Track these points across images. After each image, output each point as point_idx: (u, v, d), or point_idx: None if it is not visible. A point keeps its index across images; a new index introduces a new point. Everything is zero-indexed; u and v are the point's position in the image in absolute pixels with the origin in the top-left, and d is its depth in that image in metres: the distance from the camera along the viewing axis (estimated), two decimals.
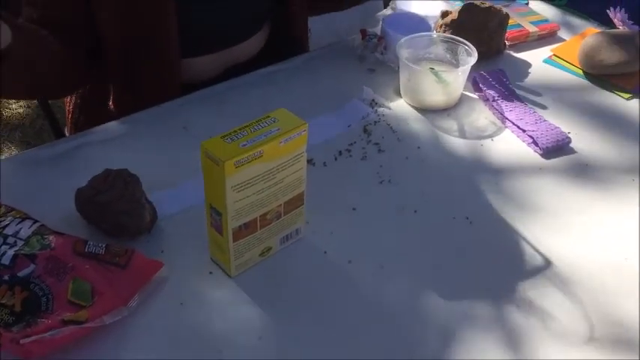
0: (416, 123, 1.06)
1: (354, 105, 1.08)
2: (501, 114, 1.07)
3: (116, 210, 0.78)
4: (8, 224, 0.75)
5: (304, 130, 0.74)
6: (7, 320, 0.67)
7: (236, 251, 0.76)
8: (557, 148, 1.01)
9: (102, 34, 1.05)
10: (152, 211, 0.83)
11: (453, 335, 0.73)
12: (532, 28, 1.29)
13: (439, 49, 1.14)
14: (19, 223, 0.75)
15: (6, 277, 0.70)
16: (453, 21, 1.19)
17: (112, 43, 1.06)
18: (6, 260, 0.71)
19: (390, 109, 1.09)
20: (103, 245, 0.75)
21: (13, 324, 0.67)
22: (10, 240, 0.73)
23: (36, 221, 0.76)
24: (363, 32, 1.21)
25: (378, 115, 1.07)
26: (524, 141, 1.03)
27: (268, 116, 0.74)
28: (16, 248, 0.72)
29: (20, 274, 0.70)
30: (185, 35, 1.05)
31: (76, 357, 0.68)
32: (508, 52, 1.26)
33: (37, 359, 0.66)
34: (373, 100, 1.09)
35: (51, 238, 0.74)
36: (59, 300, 0.69)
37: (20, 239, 0.73)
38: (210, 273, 0.79)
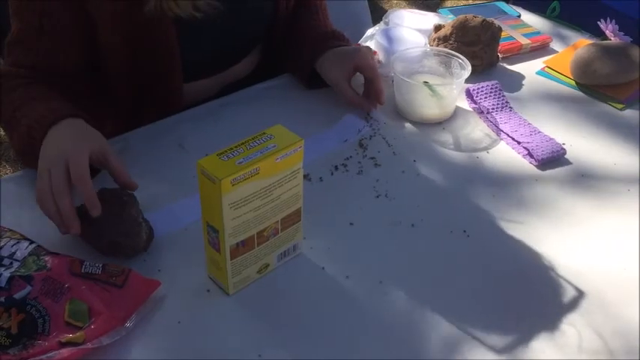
0: (411, 136, 1.07)
1: (349, 120, 1.08)
2: (496, 126, 1.07)
3: (113, 230, 0.78)
4: (4, 245, 0.75)
5: (300, 147, 0.74)
6: (3, 343, 0.67)
7: (234, 269, 0.76)
8: (553, 159, 1.01)
9: (107, 70, 1.05)
10: (148, 229, 0.82)
11: (452, 349, 0.73)
12: (524, 41, 1.30)
13: (433, 63, 1.14)
14: (15, 244, 0.75)
15: (2, 299, 0.69)
16: (446, 34, 1.20)
17: (115, 80, 1.06)
18: (2, 282, 0.70)
19: (385, 123, 1.09)
20: (100, 265, 0.74)
21: (9, 347, 0.66)
22: (6, 261, 0.73)
23: (32, 242, 0.76)
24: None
25: (374, 130, 1.07)
26: (519, 153, 1.03)
27: (264, 133, 0.74)
28: (12, 270, 0.72)
29: (16, 295, 0.69)
30: (188, 60, 1.06)
31: None
32: (501, 64, 1.27)
33: None
34: (368, 114, 1.10)
35: (47, 258, 0.74)
36: (56, 321, 0.68)
37: (16, 260, 0.73)
38: (208, 291, 0.78)
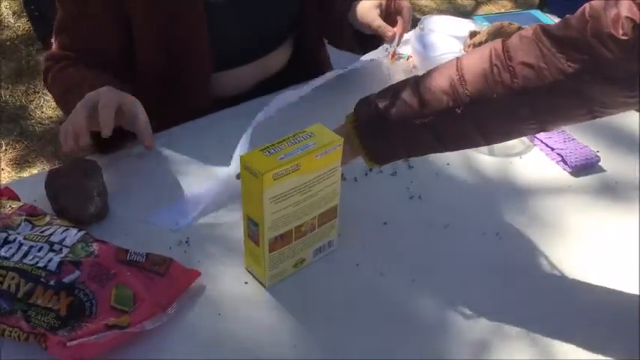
0: None
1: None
2: None
3: (66, 196, 0.84)
4: (54, 232, 0.78)
5: (339, 145, 0.76)
6: (53, 324, 0.70)
7: (271, 262, 0.78)
8: (586, 166, 1.02)
9: (137, 57, 1.09)
10: (101, 205, 0.86)
11: (483, 348, 0.74)
12: None
13: None
14: (64, 231, 0.78)
15: (52, 283, 0.72)
16: (481, 41, 1.21)
17: (144, 64, 1.10)
18: (52, 266, 0.74)
19: None
20: (144, 254, 0.78)
21: (59, 328, 0.70)
22: (56, 247, 0.76)
23: (80, 229, 0.79)
24: (392, 52, 1.23)
25: None
26: (552, 159, 1.04)
27: (304, 131, 0.76)
28: (62, 255, 0.75)
29: (65, 279, 0.73)
30: (217, 48, 1.09)
31: None
32: None
33: None
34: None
35: (95, 245, 0.77)
36: (102, 305, 0.72)
37: (65, 247, 0.76)
38: (246, 283, 0.81)
